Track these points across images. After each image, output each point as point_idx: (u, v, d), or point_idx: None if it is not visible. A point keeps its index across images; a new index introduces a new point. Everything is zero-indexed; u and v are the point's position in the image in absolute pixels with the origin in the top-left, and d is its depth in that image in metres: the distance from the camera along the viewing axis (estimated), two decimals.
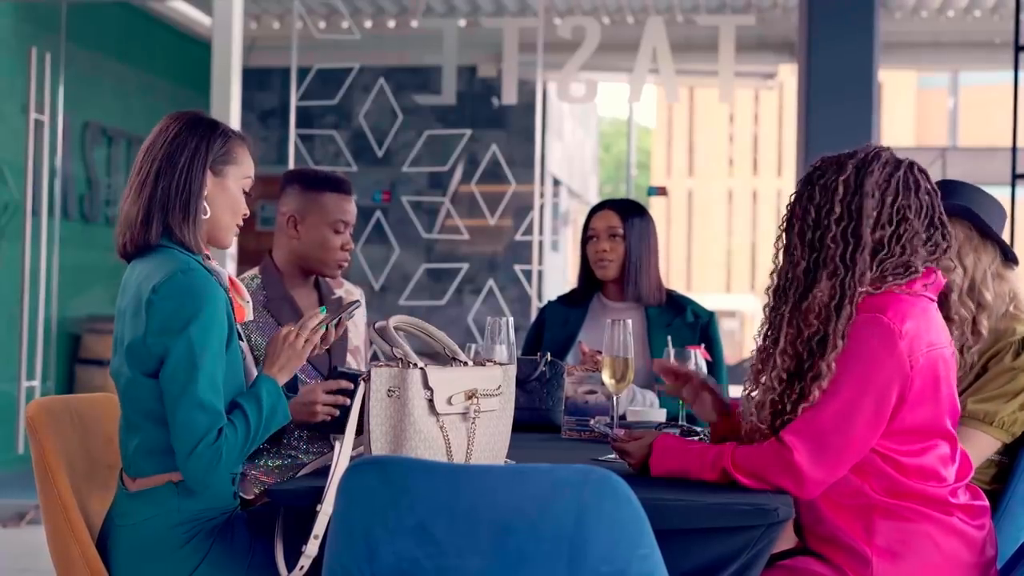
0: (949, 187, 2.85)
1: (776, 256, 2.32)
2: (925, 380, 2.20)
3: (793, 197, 2.31)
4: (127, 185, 2.47)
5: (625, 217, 3.66)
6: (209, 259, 2.47)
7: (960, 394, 2.74)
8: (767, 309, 2.31)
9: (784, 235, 2.30)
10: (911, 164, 2.28)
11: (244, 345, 2.53)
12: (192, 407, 2.26)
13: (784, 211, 2.34)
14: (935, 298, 2.30)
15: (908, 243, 2.23)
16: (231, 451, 2.28)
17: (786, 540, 2.28)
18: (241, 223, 2.53)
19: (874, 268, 2.22)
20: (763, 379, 2.25)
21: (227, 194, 2.47)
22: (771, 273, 2.32)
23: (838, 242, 2.21)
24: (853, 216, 2.21)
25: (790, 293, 2.25)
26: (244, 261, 7.01)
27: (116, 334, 2.44)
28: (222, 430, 2.27)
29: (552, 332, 3.68)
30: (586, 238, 3.70)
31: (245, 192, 2.52)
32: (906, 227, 2.23)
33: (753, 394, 2.28)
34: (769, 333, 2.28)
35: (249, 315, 2.58)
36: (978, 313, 2.77)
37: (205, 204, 2.43)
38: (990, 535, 2.33)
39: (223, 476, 2.37)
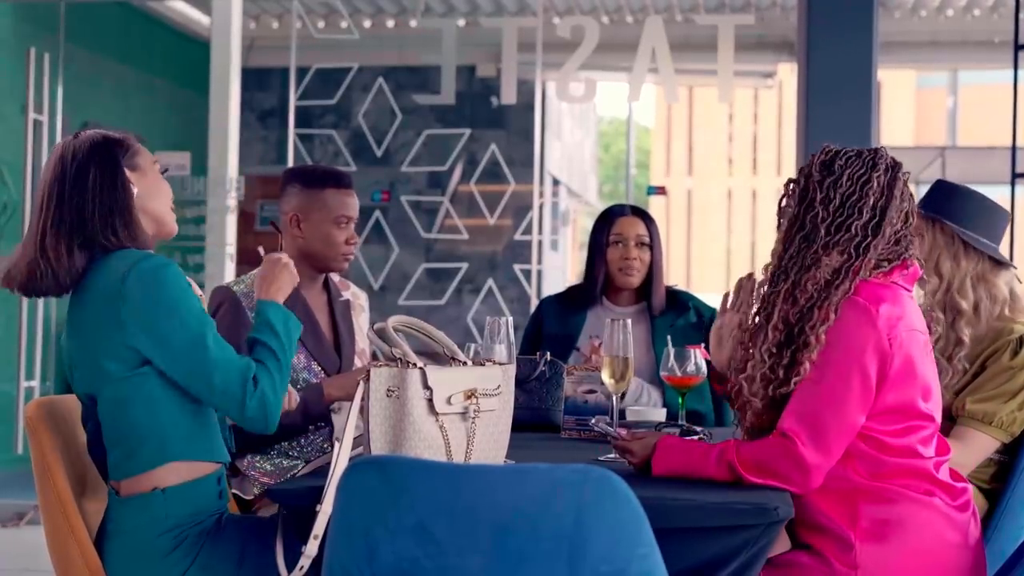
0: (946, 192, 2.85)
1: (783, 236, 2.35)
2: (903, 360, 2.26)
3: (805, 180, 2.36)
4: (30, 229, 2.41)
5: (648, 224, 3.65)
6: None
7: (958, 393, 2.75)
8: (761, 288, 2.36)
9: (797, 217, 2.34)
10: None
11: None
12: (220, 371, 2.28)
13: (791, 189, 2.38)
14: (910, 288, 2.37)
15: (904, 240, 2.35)
16: (271, 387, 2.31)
17: (781, 544, 2.28)
18: (172, 205, 2.52)
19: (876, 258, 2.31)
20: (752, 352, 2.31)
21: (150, 181, 2.47)
22: (772, 252, 2.37)
23: (858, 232, 2.29)
24: (878, 214, 2.31)
25: (792, 272, 2.30)
26: (244, 261, 7.01)
27: (71, 354, 2.40)
28: (256, 377, 2.30)
29: (550, 328, 3.66)
30: (607, 242, 3.63)
31: (162, 173, 2.52)
32: (905, 230, 2.35)
33: (745, 367, 2.32)
34: (762, 310, 2.33)
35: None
36: (956, 320, 2.77)
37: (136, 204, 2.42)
38: (973, 516, 2.35)
39: (273, 413, 2.33)
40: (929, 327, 2.65)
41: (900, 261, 2.33)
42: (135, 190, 2.42)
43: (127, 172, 2.43)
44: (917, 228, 2.75)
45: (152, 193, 2.47)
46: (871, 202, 2.30)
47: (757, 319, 2.34)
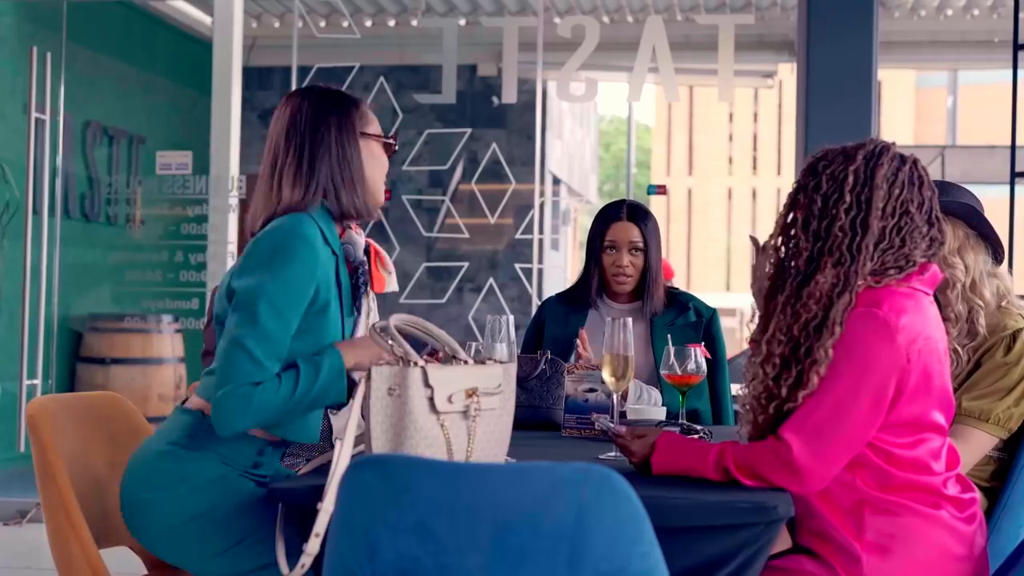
0: (944, 187, 2.85)
1: (775, 247, 2.32)
2: (920, 374, 2.22)
3: (796, 186, 2.33)
4: (263, 171, 2.49)
5: (643, 226, 3.58)
6: (351, 228, 2.54)
7: (955, 391, 2.75)
8: (760, 301, 2.33)
9: (784, 226, 2.32)
10: (915, 160, 2.33)
11: (363, 316, 2.58)
12: (236, 349, 2.30)
13: (784, 202, 2.35)
14: (931, 292, 2.32)
15: (908, 236, 2.27)
16: (265, 405, 2.30)
17: (781, 542, 2.28)
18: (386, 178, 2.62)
19: (875, 258, 2.24)
20: (755, 370, 2.27)
21: (375, 156, 2.58)
22: (772, 264, 2.34)
23: (846, 231, 2.24)
24: (862, 206, 2.24)
25: (787, 283, 2.27)
26: None
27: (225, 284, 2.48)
28: (261, 383, 2.29)
29: (553, 329, 3.64)
30: (601, 246, 3.60)
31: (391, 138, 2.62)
32: (907, 220, 2.27)
33: (749, 389, 2.29)
34: (760, 325, 2.30)
35: (392, 286, 2.63)
36: (975, 311, 2.77)
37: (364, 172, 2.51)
38: (980, 527, 2.33)
39: (246, 425, 2.33)
40: (950, 318, 2.66)
41: (914, 267, 2.26)
42: (363, 156, 2.51)
43: (360, 140, 2.53)
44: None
45: (372, 165, 2.56)
46: (849, 198, 2.24)
47: (757, 333, 2.30)
